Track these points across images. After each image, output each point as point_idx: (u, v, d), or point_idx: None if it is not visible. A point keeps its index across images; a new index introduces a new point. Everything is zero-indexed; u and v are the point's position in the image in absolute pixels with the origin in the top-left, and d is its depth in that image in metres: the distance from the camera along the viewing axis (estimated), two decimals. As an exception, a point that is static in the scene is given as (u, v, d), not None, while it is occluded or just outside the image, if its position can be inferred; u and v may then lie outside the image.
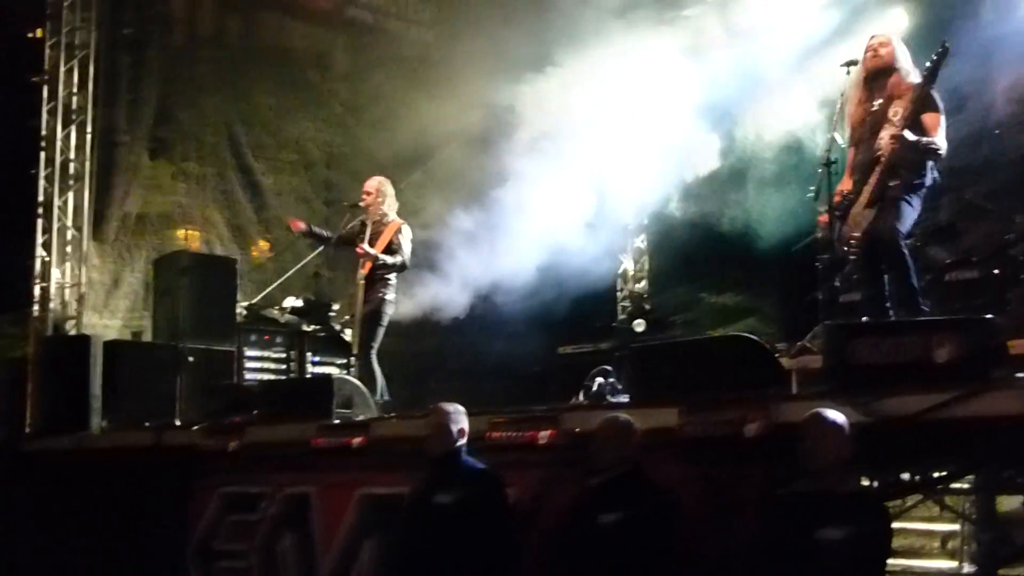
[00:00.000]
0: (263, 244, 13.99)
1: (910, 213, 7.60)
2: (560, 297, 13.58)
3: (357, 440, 7.93)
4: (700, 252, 14.14)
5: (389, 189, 10.36)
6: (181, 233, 13.30)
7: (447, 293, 12.08)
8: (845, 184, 7.70)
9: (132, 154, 13.20)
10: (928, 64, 7.37)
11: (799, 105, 11.83)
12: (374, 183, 10.30)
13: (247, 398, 9.72)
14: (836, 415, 5.35)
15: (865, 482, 5.96)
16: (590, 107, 12.71)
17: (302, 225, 10.72)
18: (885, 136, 7.54)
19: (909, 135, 7.33)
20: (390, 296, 10.09)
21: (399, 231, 10.12)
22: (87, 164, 12.64)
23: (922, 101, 7.45)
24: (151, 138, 13.43)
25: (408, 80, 14.87)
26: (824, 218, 7.87)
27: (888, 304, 7.67)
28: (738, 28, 12.71)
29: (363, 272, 9.96)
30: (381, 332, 10.06)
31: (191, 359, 10.96)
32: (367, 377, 9.79)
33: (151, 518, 9.13)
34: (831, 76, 7.83)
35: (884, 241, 7.53)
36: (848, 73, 7.64)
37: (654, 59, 12.75)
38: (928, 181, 7.67)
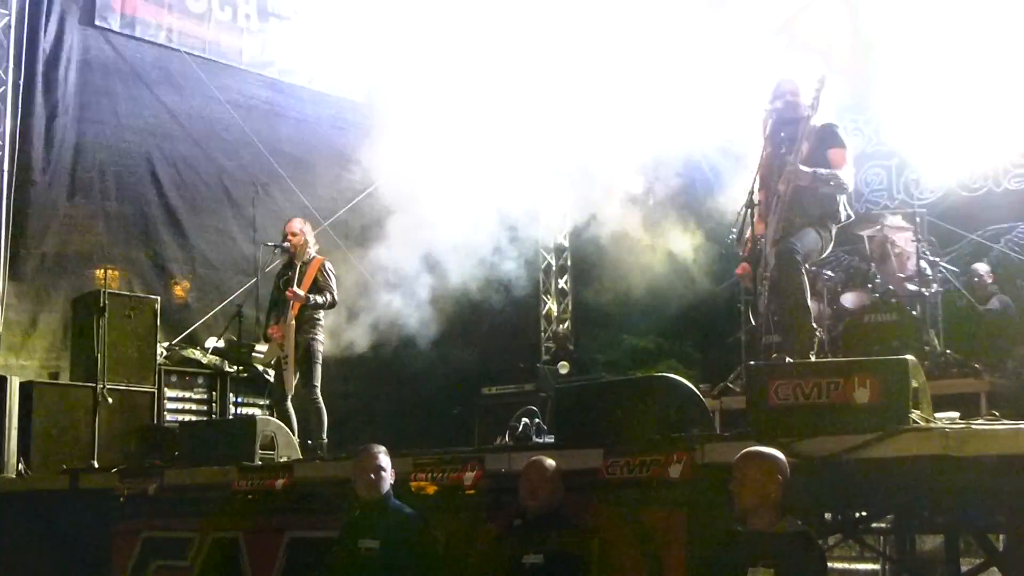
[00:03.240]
0: (185, 284, 13.82)
1: (813, 238, 7.61)
2: (483, 338, 13.63)
3: (281, 482, 7.87)
4: (623, 294, 14.24)
5: (309, 229, 10.47)
6: (100, 273, 13.07)
7: (370, 332, 12.09)
8: (758, 228, 7.72)
9: (50, 193, 12.98)
10: (812, 95, 7.47)
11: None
12: (297, 224, 10.38)
13: (167, 440, 9.59)
14: (771, 453, 5.35)
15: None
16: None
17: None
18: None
19: (803, 167, 7.41)
20: (320, 335, 10.18)
21: (322, 268, 10.20)
22: (3, 203, 12.39)
23: (821, 136, 7.55)
24: (70, 177, 13.20)
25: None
26: (743, 267, 7.93)
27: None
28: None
29: (293, 313, 9.97)
30: (319, 369, 10.09)
31: (110, 400, 10.80)
32: (313, 414, 9.94)
33: (71, 564, 8.95)
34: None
35: (779, 255, 7.53)
36: (771, 117, 7.72)
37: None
38: (843, 217, 7.74)
